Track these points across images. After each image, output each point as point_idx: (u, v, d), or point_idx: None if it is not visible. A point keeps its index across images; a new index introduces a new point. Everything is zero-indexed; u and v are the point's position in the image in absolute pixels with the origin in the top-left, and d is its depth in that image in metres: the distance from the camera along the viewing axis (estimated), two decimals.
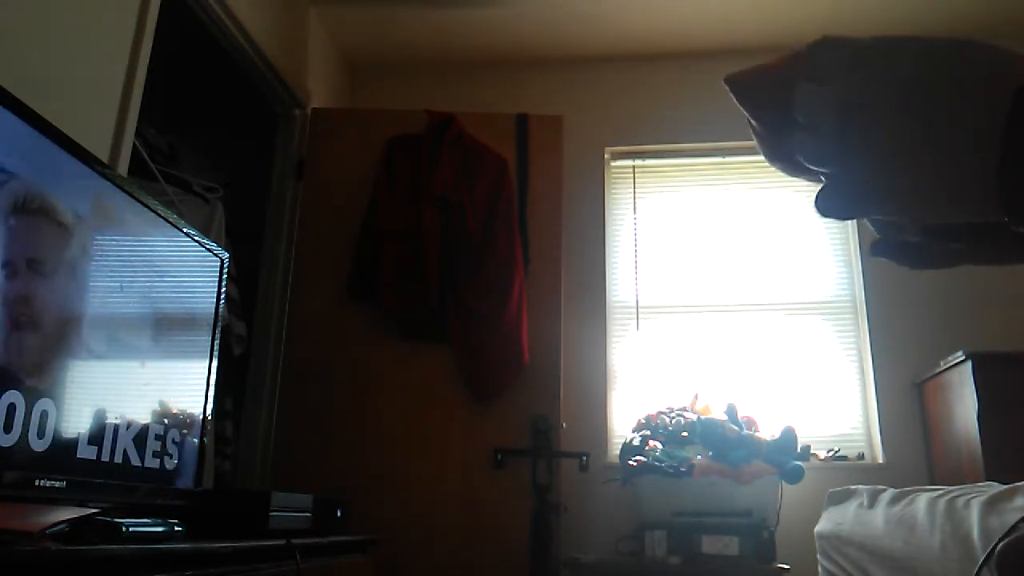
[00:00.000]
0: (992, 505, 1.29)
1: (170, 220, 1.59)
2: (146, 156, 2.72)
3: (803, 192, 3.50)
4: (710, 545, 2.67)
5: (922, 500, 1.57)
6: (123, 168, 2.05)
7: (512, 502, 2.75)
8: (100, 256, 1.34)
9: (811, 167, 0.44)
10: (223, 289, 1.81)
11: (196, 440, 1.66)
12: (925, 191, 0.41)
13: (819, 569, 2.00)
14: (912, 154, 0.40)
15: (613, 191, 3.64)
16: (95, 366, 1.35)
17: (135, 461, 1.43)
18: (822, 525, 2.05)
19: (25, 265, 1.15)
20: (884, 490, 1.83)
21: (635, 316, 3.43)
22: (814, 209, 0.44)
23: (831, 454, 3.11)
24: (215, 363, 1.75)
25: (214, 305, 1.77)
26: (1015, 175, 0.37)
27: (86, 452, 1.29)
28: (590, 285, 3.41)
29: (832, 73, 0.44)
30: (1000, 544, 1.10)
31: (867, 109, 0.41)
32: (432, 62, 3.77)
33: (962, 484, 1.67)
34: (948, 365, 2.85)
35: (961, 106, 0.39)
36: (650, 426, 2.96)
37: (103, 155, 1.96)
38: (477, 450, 2.80)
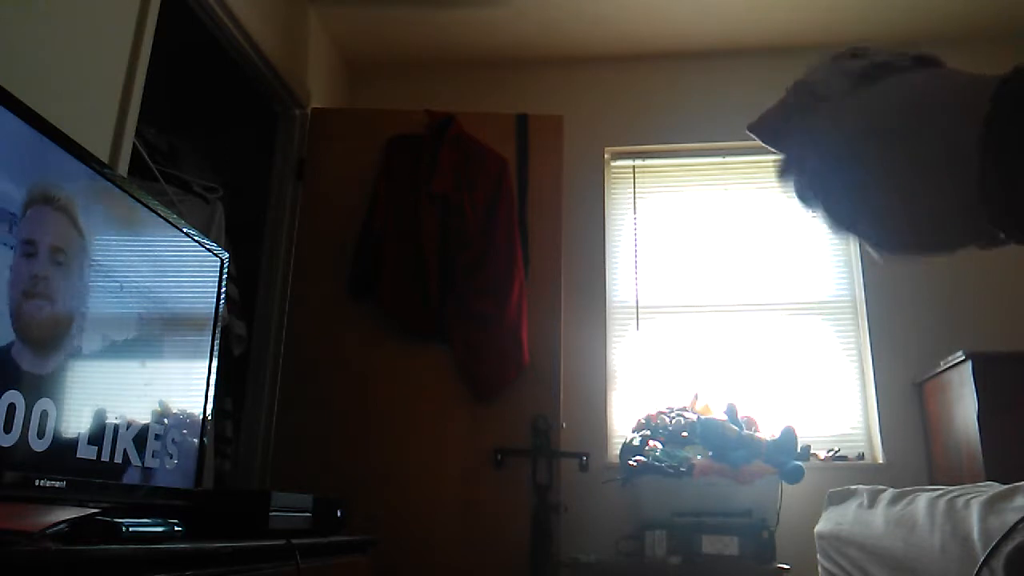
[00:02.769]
0: (992, 505, 1.29)
1: (170, 220, 1.59)
2: (146, 156, 2.72)
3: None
4: (710, 545, 2.67)
5: (922, 500, 1.57)
6: (123, 168, 2.05)
7: (512, 502, 2.75)
8: (100, 256, 1.34)
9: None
10: (223, 289, 1.81)
11: (196, 440, 1.66)
12: (909, 222, 0.42)
13: (819, 569, 2.00)
14: (889, 190, 0.41)
15: (613, 191, 3.64)
16: (95, 366, 1.35)
17: (135, 461, 1.43)
18: (822, 525, 2.05)
19: (24, 262, 1.15)
20: (884, 490, 1.83)
21: (635, 316, 3.43)
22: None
23: (831, 454, 3.11)
24: (215, 363, 1.75)
25: (214, 305, 1.77)
26: (996, 187, 0.37)
27: (86, 452, 1.29)
28: (590, 285, 3.41)
29: (818, 112, 0.46)
30: (1008, 549, 1.10)
31: (843, 156, 0.43)
32: (432, 62, 3.77)
33: (962, 484, 1.67)
34: (948, 365, 2.85)
35: (934, 137, 0.40)
36: (650, 426, 2.96)
37: (103, 155, 1.96)
38: (477, 450, 2.80)
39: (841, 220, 0.45)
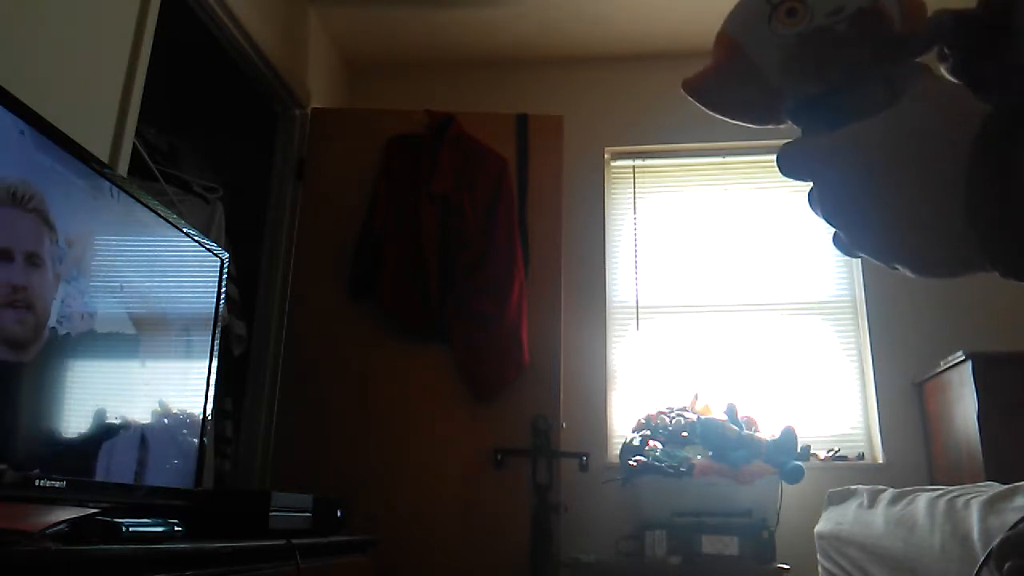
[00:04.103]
0: (992, 505, 1.29)
1: (170, 220, 1.59)
2: (146, 156, 2.72)
3: (803, 192, 3.48)
4: (710, 545, 2.67)
5: (922, 500, 1.57)
6: (123, 168, 2.05)
7: (512, 502, 2.75)
8: (100, 256, 1.34)
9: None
10: (223, 289, 1.81)
11: (196, 440, 1.66)
12: (899, 238, 0.42)
13: (819, 569, 2.00)
14: (880, 209, 0.41)
15: (613, 191, 3.63)
16: (95, 366, 1.35)
17: (135, 461, 1.43)
18: (822, 525, 2.05)
19: (24, 262, 1.15)
20: (884, 490, 1.83)
21: (635, 316, 3.43)
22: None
23: (831, 454, 3.11)
24: (215, 363, 1.75)
25: (214, 305, 1.77)
26: (983, 216, 0.37)
27: (86, 452, 1.29)
28: (590, 285, 3.41)
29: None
30: (999, 541, 1.10)
31: (835, 166, 0.43)
32: (432, 62, 3.76)
33: (962, 484, 1.67)
34: (948, 365, 2.85)
35: (921, 162, 0.40)
36: (650, 426, 2.96)
37: (103, 155, 1.96)
38: (477, 450, 2.80)
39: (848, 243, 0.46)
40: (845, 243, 0.46)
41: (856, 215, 0.43)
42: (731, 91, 0.50)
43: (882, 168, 0.41)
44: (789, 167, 0.48)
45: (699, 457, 2.78)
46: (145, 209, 1.49)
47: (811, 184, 0.48)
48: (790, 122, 0.51)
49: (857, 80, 0.46)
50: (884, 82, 0.45)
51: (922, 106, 0.41)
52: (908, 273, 0.43)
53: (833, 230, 0.47)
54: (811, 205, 0.47)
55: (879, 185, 0.41)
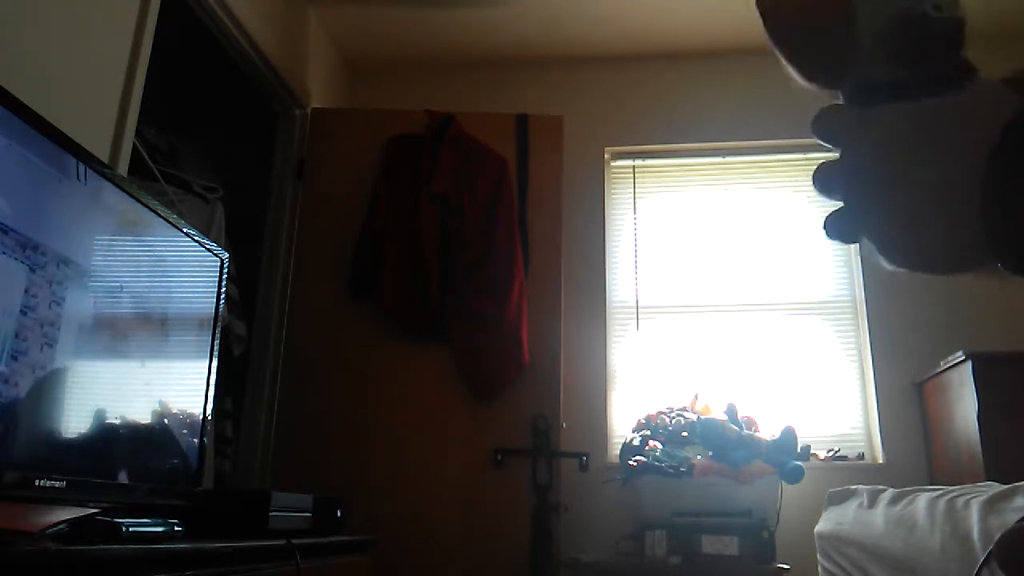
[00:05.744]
0: (992, 505, 1.29)
1: (170, 220, 1.59)
2: (146, 156, 2.72)
3: (803, 192, 3.49)
4: (710, 545, 2.67)
5: (922, 500, 1.57)
6: (123, 168, 2.05)
7: (512, 502, 2.74)
8: (100, 256, 1.34)
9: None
10: (223, 289, 1.81)
11: (196, 440, 1.66)
12: (914, 238, 0.42)
13: (819, 569, 2.00)
14: (899, 203, 0.42)
15: (613, 191, 3.63)
16: (95, 366, 1.35)
17: (135, 461, 1.43)
18: (822, 525, 2.05)
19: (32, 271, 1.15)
20: (884, 490, 1.83)
21: (635, 316, 3.43)
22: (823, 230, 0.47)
23: (831, 454, 3.11)
24: (215, 363, 1.75)
25: (214, 305, 1.77)
26: (997, 216, 0.37)
27: (86, 452, 1.29)
28: (590, 285, 3.41)
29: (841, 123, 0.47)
30: (1000, 535, 1.11)
31: (864, 170, 0.43)
32: (432, 62, 3.77)
33: (962, 484, 1.67)
34: (948, 365, 2.85)
35: (943, 157, 0.40)
36: (650, 426, 2.96)
37: (103, 155, 1.96)
38: (477, 450, 2.80)
39: (853, 224, 0.46)
40: (844, 227, 0.46)
41: (871, 199, 0.43)
42: (813, 33, 0.49)
43: (905, 158, 0.41)
44: (822, 130, 0.48)
45: (699, 457, 2.78)
46: (145, 209, 1.49)
47: (826, 158, 0.48)
48: (838, 90, 0.50)
49: (934, 67, 0.45)
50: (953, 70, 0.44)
51: (953, 110, 0.42)
52: (894, 261, 0.44)
53: (830, 214, 0.47)
54: (822, 182, 0.47)
55: (901, 174, 0.41)
